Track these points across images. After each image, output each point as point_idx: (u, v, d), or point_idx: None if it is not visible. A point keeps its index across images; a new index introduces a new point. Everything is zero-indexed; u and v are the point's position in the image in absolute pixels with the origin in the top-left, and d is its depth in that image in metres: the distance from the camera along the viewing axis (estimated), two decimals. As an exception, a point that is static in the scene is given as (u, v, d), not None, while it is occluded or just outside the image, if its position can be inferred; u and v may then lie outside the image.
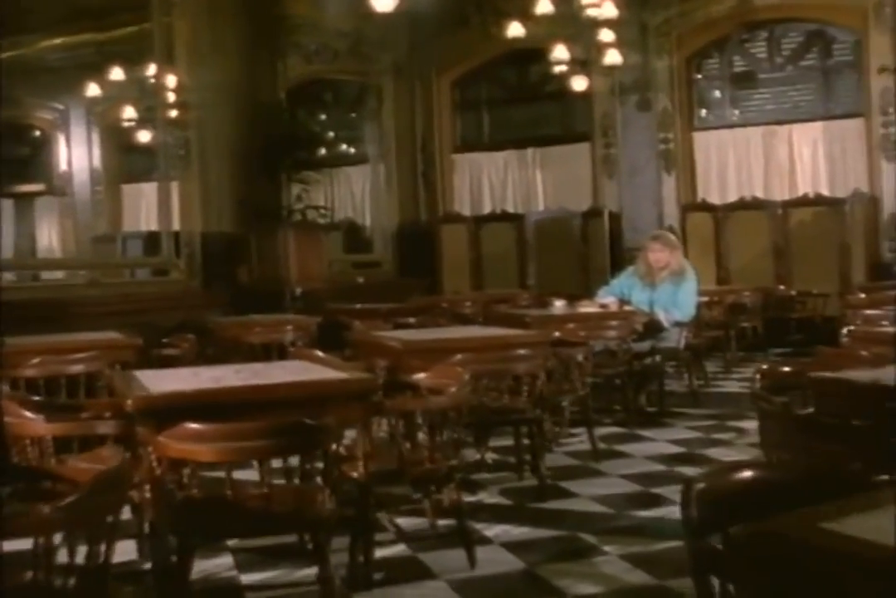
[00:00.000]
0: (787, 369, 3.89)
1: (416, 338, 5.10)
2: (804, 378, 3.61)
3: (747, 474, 1.92)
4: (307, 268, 9.60)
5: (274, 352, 6.66)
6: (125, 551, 3.63)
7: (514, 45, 11.76)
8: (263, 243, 9.47)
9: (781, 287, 11.26)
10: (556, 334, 5.67)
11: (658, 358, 7.07)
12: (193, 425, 2.67)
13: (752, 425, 6.70)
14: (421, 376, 4.01)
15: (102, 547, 2.02)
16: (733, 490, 1.90)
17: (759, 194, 12.01)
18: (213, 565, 3.77)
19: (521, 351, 4.67)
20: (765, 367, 3.90)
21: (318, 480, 3.21)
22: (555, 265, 12.60)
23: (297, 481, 3.59)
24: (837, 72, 11.89)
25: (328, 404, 3.25)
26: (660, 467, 5.49)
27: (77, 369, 4.89)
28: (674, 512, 4.69)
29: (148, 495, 2.95)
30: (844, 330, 5.32)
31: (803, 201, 11.66)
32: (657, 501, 4.78)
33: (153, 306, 8.16)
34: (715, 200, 12.19)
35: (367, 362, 4.71)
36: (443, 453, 3.63)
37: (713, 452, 5.87)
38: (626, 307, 7.31)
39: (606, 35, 10.50)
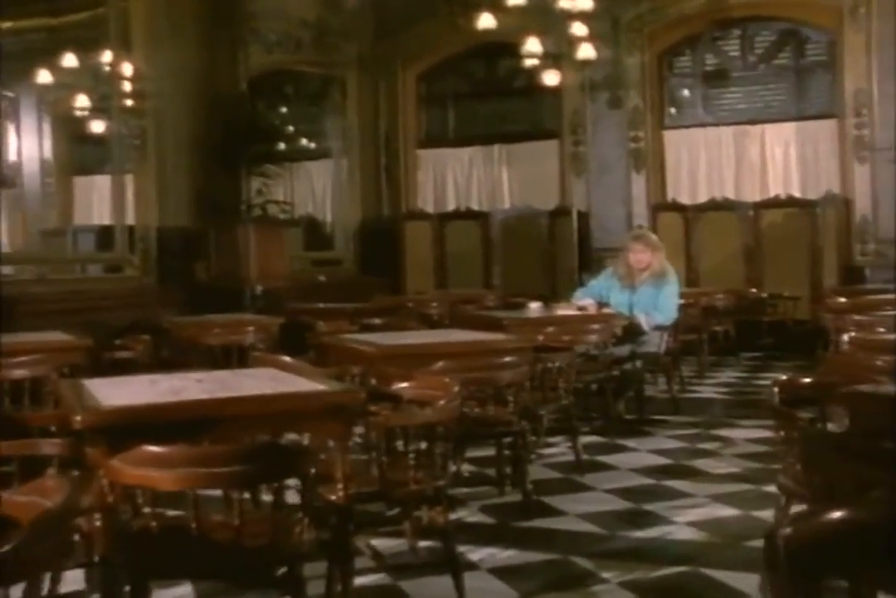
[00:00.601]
0: (806, 380, 3.57)
1: (392, 343, 4.74)
2: (826, 391, 3.30)
3: (837, 516, 1.58)
4: (268, 265, 9.19)
5: (234, 354, 6.26)
6: (72, 580, 3.24)
7: (483, 39, 11.44)
8: (222, 239, 9.05)
9: (753, 290, 11.03)
10: (539, 337, 5.33)
11: (638, 363, 6.76)
12: (152, 448, 2.30)
13: (735, 433, 6.46)
14: (403, 385, 3.65)
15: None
16: (823, 537, 1.56)
17: (730, 195, 11.79)
18: (172, 596, 3.39)
19: (507, 358, 4.33)
20: (783, 378, 3.57)
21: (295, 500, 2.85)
22: (521, 265, 12.31)
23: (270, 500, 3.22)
24: (810, 72, 11.69)
25: (305, 420, 2.89)
26: (647, 481, 5.17)
27: (21, 373, 4.48)
28: (670, 533, 4.42)
29: (98, 523, 2.58)
30: (845, 337, 5.03)
31: (775, 203, 11.47)
32: (651, 519, 4.46)
33: (105, 304, 7.72)
34: (685, 200, 11.95)
35: (338, 369, 4.34)
36: (429, 472, 3.28)
37: (700, 463, 5.57)
38: (605, 310, 6.99)
39: (579, 29, 10.21)
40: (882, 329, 5.47)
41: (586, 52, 10.07)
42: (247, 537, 2.43)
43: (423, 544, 3.86)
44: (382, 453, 3.18)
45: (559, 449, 5.92)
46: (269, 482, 2.45)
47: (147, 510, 2.44)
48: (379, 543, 3.93)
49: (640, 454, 5.83)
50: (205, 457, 2.31)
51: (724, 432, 6.44)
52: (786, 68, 11.74)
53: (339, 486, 2.95)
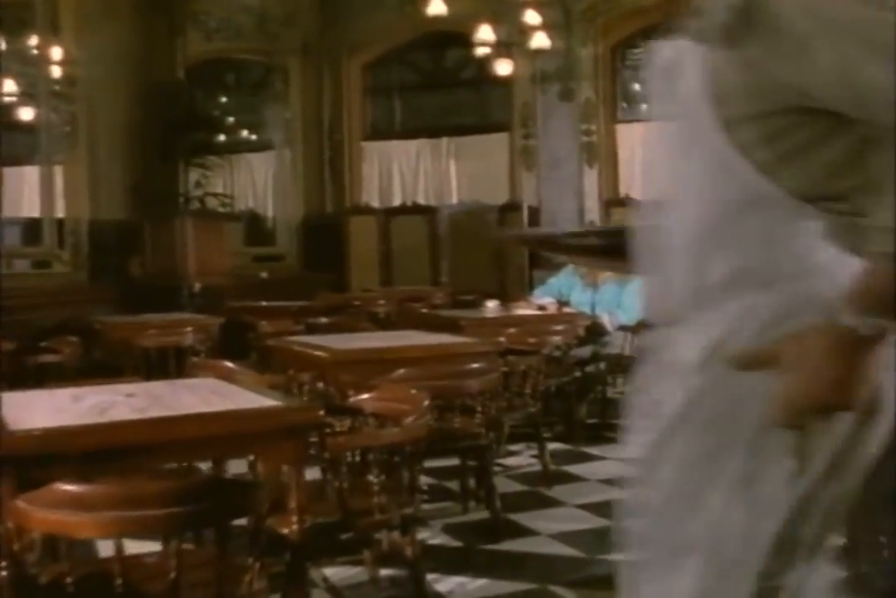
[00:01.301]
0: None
1: (346, 346, 4.31)
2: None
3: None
4: (207, 261, 8.71)
5: (171, 358, 5.78)
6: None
7: (431, 28, 11.05)
8: (158, 233, 8.54)
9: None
10: (501, 339, 4.95)
11: (601, 365, 6.41)
12: (67, 487, 1.87)
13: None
14: (364, 397, 3.24)
15: None
16: None
17: (683, 191, 11.48)
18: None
19: (475, 364, 3.93)
20: None
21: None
22: (469, 262, 11.94)
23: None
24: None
25: (254, 442, 2.48)
26: (620, 494, 4.78)
27: (-71, 382, 4.00)
28: (654, 556, 4.05)
29: (3, 573, 2.13)
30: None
31: (729, 199, 11.20)
32: (630, 540, 4.09)
33: (31, 302, 7.19)
34: (639, 195, 11.61)
35: (285, 377, 3.92)
36: (394, 497, 2.88)
37: (673, 474, 5.20)
38: (566, 309, 6.64)
39: (532, 17, 9.84)
40: None
41: (539, 40, 9.69)
42: (185, 588, 2.01)
43: (384, 572, 3.45)
44: (343, 478, 2.76)
45: (522, 459, 5.55)
46: (212, 526, 2.02)
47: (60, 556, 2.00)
48: (334, 572, 3.51)
49: (608, 464, 5.46)
50: (134, 497, 1.88)
51: (692, 439, 6.10)
52: (741, 62, 11.46)
53: (294, 518, 2.53)
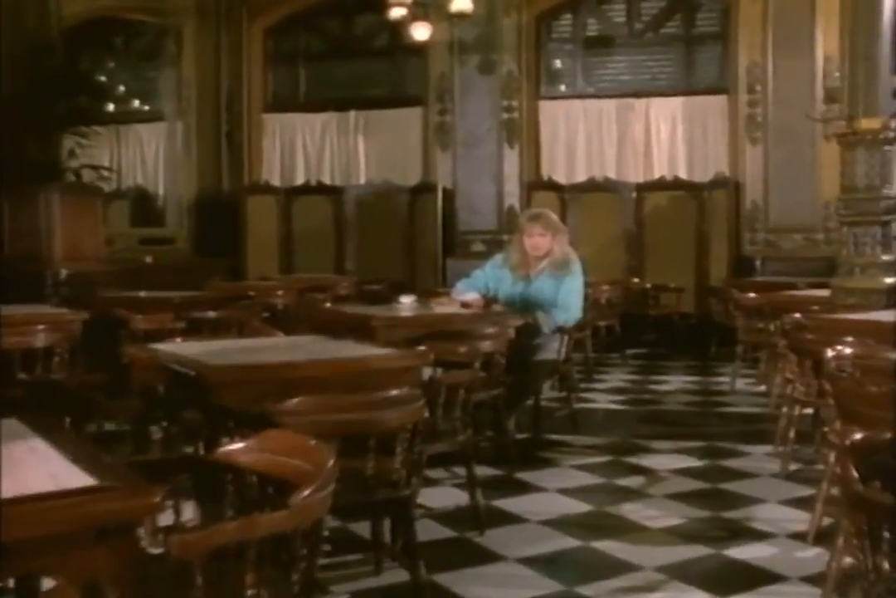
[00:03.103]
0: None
1: (224, 361, 3.30)
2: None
3: None
4: (77, 244, 7.58)
5: (17, 365, 4.69)
6: None
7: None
8: (20, 210, 7.35)
9: (635, 280, 10.00)
10: (424, 349, 4.01)
11: (536, 374, 5.51)
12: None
13: (655, 461, 5.26)
14: (237, 447, 2.27)
15: None
16: None
17: (612, 175, 10.73)
18: None
19: (395, 391, 2.97)
20: (857, 437, 2.32)
21: None
22: (377, 247, 11.05)
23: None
24: (701, 43, 10.70)
25: (52, 554, 1.50)
26: (570, 542, 3.89)
27: None
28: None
29: None
30: (830, 354, 3.86)
31: (659, 185, 10.52)
32: (595, 616, 3.20)
33: None
34: (562, 179, 10.83)
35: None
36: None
37: (629, 511, 4.33)
38: (495, 307, 5.72)
39: (452, -21, 8.88)
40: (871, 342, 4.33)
41: (460, 3, 8.72)
42: None
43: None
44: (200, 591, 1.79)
45: (444, 491, 4.62)
46: None
47: None
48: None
49: (549, 497, 4.57)
50: None
51: (641, 461, 5.26)
52: (675, 38, 10.72)
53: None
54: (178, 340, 4.34)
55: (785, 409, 5.32)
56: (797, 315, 5.48)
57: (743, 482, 4.80)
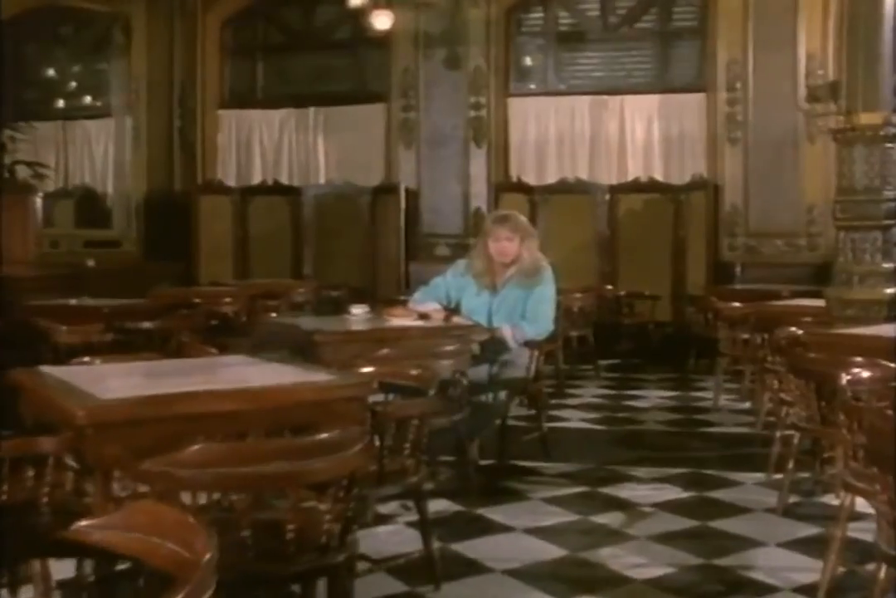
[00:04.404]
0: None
1: (123, 394, 2.68)
2: None
3: None
4: (7, 245, 6.94)
5: None
6: None
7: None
8: (-62, 208, 6.73)
9: (608, 287, 9.47)
10: (368, 373, 3.44)
11: (501, 394, 4.94)
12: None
13: (635, 493, 4.68)
14: (97, 522, 1.68)
15: None
16: None
17: (584, 176, 10.20)
18: None
19: (326, 434, 2.37)
20: None
21: None
22: (337, 251, 10.52)
23: None
24: (678, 38, 10.18)
25: None
26: (540, 602, 3.32)
27: None
28: None
29: None
30: (844, 379, 3.31)
31: (634, 186, 10.01)
32: None
33: None
34: (531, 179, 10.29)
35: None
36: None
37: (608, 556, 3.76)
38: (456, 319, 5.14)
39: (417, -34, 8.35)
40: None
41: (426, -8, 8.17)
42: None
43: None
44: None
45: (395, 532, 4.03)
46: None
47: None
48: None
49: (516, 539, 3.99)
50: None
51: (620, 492, 4.69)
52: (651, 33, 10.20)
53: None
54: (86, 358, 3.73)
55: (778, 433, 4.82)
56: (793, 329, 4.96)
57: (736, 520, 4.24)
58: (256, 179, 11.12)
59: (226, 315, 7.53)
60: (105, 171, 11.50)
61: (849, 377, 3.35)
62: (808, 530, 4.10)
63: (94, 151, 11.60)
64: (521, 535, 4.03)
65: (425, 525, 3.43)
